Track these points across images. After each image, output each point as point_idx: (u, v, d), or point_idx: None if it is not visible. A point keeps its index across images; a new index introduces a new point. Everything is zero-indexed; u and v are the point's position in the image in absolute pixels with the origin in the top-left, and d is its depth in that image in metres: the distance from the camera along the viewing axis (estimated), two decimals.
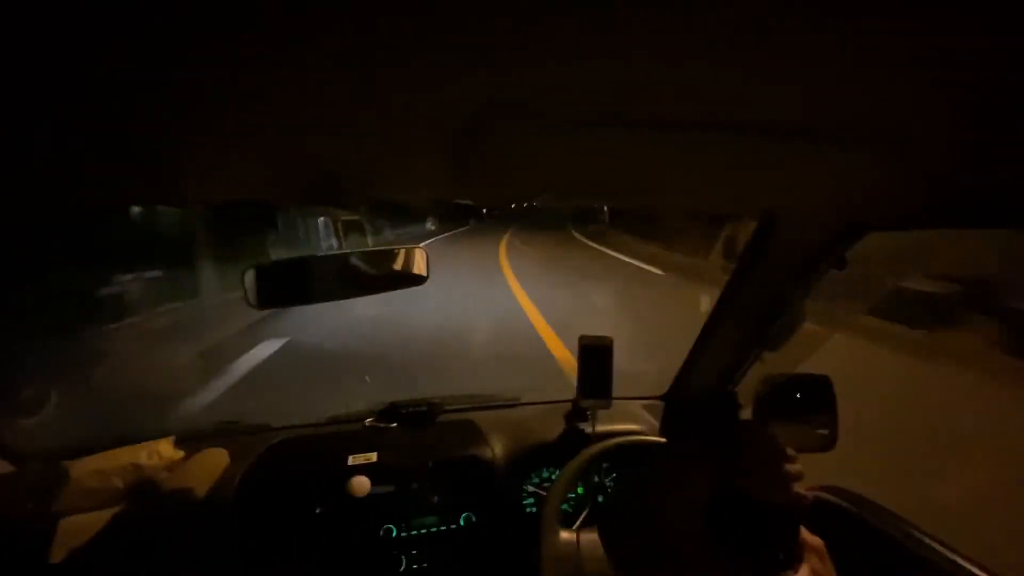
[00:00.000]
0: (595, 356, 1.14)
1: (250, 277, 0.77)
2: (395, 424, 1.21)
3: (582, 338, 1.13)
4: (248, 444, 1.13)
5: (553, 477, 1.15)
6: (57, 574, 0.86)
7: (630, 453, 1.05)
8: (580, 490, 1.14)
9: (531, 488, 1.14)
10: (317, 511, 1.03)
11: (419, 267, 0.93)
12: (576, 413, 1.22)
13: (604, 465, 1.15)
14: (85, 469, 0.98)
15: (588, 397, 1.14)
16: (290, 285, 0.81)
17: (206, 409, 3.37)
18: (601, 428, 1.13)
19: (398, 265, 0.91)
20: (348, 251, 0.85)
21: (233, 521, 0.99)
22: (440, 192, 0.67)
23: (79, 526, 0.91)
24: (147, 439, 1.10)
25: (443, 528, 1.07)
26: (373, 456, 1.09)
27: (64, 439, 1.15)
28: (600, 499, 1.12)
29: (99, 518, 0.92)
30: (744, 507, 0.52)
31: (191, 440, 1.14)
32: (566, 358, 4.13)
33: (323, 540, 1.02)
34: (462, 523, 1.08)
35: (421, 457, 1.11)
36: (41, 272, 4.86)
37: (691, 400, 1.22)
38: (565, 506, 1.09)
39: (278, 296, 0.82)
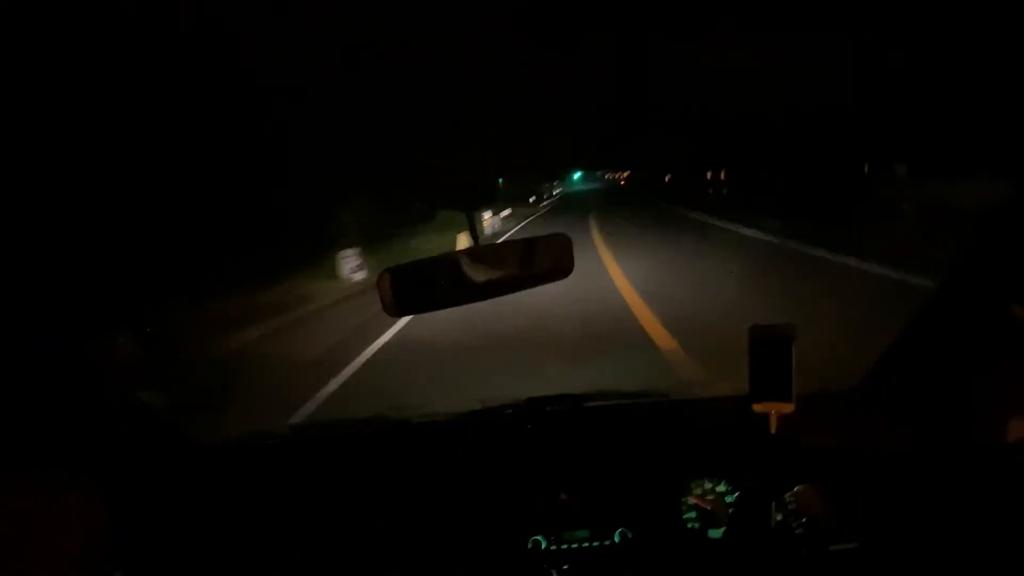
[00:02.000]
0: (772, 348, 0.94)
1: (384, 282, 0.70)
2: (535, 423, 1.12)
3: (754, 328, 0.94)
4: (388, 441, 1.12)
5: (719, 489, 0.98)
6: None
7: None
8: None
9: (692, 501, 0.99)
10: (460, 515, 0.97)
11: (564, 257, 0.81)
12: (746, 414, 1.03)
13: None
14: None
15: (764, 397, 0.95)
16: (429, 288, 0.74)
17: None
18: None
19: (541, 256, 0.80)
20: (488, 245, 0.77)
21: (375, 518, 0.97)
22: None
23: None
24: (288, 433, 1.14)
25: (596, 544, 0.96)
26: (515, 458, 1.02)
27: None
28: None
29: None
30: None
31: (332, 437, 1.15)
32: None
33: (466, 548, 0.96)
34: (617, 539, 0.96)
35: (567, 461, 1.01)
36: None
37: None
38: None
39: (417, 301, 0.75)
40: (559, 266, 0.82)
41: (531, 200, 27.02)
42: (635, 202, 26.42)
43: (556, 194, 50.38)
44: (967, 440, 0.88)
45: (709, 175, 26.11)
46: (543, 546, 0.96)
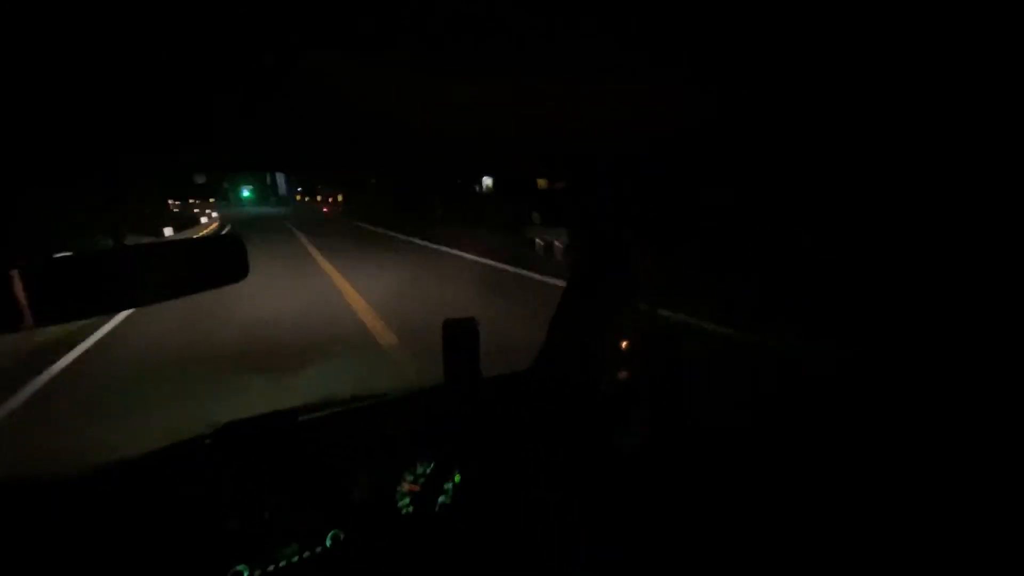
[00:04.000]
0: (460, 338, 1.11)
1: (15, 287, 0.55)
2: (240, 446, 1.02)
3: (446, 321, 1.09)
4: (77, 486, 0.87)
5: (428, 472, 1.09)
6: None
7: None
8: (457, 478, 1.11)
9: (406, 487, 1.07)
10: (156, 554, 0.82)
11: (237, 260, 0.78)
12: (445, 400, 1.17)
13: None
14: None
15: (456, 381, 1.11)
16: (75, 291, 0.61)
17: None
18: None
19: (211, 258, 0.76)
20: (150, 242, 0.68)
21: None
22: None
23: None
24: None
25: (306, 555, 0.94)
26: (215, 487, 0.91)
27: None
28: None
29: None
30: None
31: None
32: None
33: None
34: (328, 543, 0.96)
35: (274, 480, 0.96)
36: None
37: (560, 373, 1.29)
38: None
39: (58, 308, 0.60)
40: (230, 267, 0.77)
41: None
42: None
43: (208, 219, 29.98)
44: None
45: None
46: (246, 575, 0.88)
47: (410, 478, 1.07)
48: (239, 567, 0.88)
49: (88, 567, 0.81)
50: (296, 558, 0.93)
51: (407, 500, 1.06)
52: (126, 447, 1.06)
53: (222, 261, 0.75)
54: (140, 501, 0.88)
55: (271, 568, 0.91)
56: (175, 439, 1.05)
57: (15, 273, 0.57)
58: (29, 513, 0.83)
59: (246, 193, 46.09)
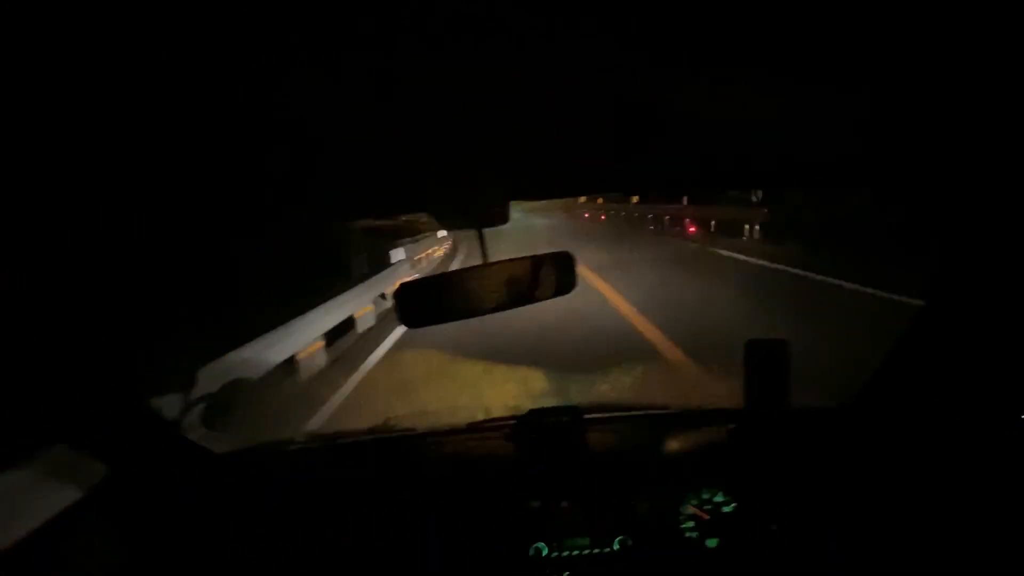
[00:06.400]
0: (767, 360, 0.98)
1: (399, 295, 0.77)
2: (537, 434, 1.15)
3: (751, 342, 0.98)
4: (394, 448, 1.15)
5: (716, 499, 1.00)
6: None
7: None
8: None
9: (690, 510, 1.01)
10: (462, 522, 1.00)
11: (568, 274, 0.86)
12: (744, 425, 1.05)
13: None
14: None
15: (760, 407, 0.98)
16: (438, 301, 0.79)
17: None
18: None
19: (545, 273, 0.85)
20: (493, 262, 0.81)
21: (381, 523, 1.00)
22: None
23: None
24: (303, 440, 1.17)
25: (596, 551, 0.98)
26: (518, 467, 1.05)
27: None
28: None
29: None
30: None
31: (343, 444, 1.19)
32: None
33: (470, 554, 0.99)
34: (616, 547, 0.98)
35: (568, 471, 1.04)
36: None
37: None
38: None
39: (426, 313, 0.80)
40: (562, 282, 0.86)
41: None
42: None
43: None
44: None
45: None
46: (544, 553, 0.98)
47: (695, 502, 1.01)
48: (539, 544, 0.99)
49: (412, 523, 1.01)
50: (587, 551, 0.98)
51: (691, 524, 1.00)
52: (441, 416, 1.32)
53: (557, 274, 0.85)
54: (452, 472, 1.07)
55: (565, 554, 0.98)
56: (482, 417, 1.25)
57: (400, 288, 0.78)
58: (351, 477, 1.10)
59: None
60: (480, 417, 1.27)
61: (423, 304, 0.80)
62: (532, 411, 1.18)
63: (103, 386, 0.86)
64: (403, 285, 0.79)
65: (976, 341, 0.85)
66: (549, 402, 1.24)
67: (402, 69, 0.40)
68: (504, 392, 3.44)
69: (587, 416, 1.18)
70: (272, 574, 0.97)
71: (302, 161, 0.55)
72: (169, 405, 2.58)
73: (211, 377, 3.14)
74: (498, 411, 1.30)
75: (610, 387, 3.13)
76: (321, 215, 0.85)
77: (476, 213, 0.77)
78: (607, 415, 1.22)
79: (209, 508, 1.02)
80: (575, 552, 0.99)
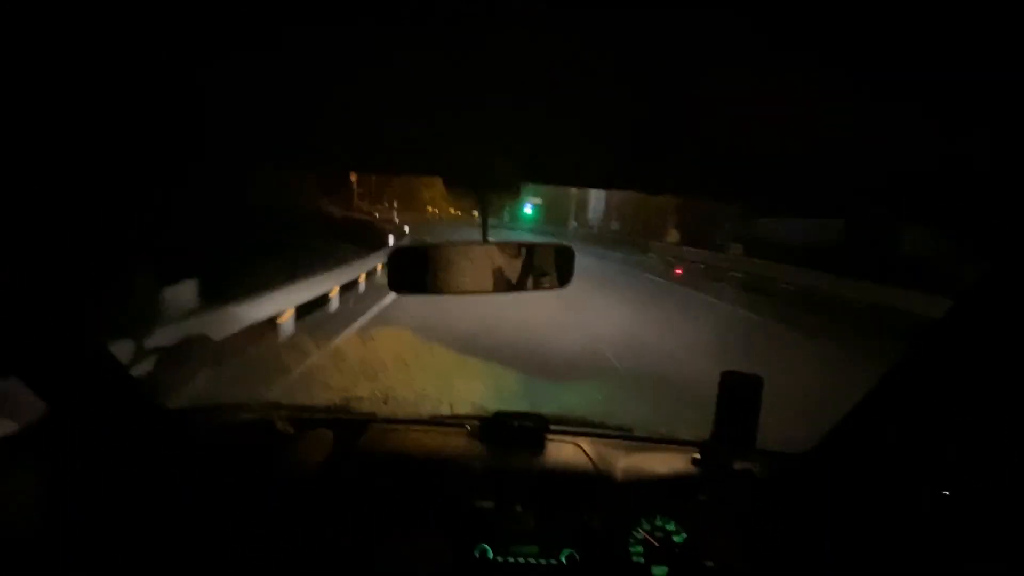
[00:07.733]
0: (739, 395, 0.97)
1: (393, 259, 0.75)
2: (499, 436, 1.13)
3: (725, 373, 0.98)
4: (353, 431, 1.12)
5: (668, 528, 1.00)
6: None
7: None
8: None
9: (641, 535, 1.00)
10: (412, 512, 0.98)
11: (567, 268, 0.83)
12: (706, 460, 1.05)
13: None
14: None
15: (725, 443, 0.98)
16: (428, 273, 0.76)
17: None
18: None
19: (541, 263, 0.82)
20: (492, 242, 0.77)
21: (330, 503, 0.97)
22: None
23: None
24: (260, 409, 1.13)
25: (543, 561, 0.97)
26: (476, 465, 1.03)
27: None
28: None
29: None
30: None
31: (302, 419, 1.15)
32: None
33: (414, 544, 0.96)
34: (563, 560, 0.97)
35: (525, 477, 1.02)
36: None
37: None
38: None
39: (414, 283, 0.77)
40: (560, 275, 0.83)
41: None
42: None
43: None
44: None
45: None
46: (489, 556, 0.96)
47: (647, 527, 1.01)
48: (485, 545, 0.97)
49: (357, 509, 0.97)
50: (533, 560, 0.97)
51: (640, 549, 1.00)
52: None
53: (554, 266, 0.82)
54: (408, 462, 1.04)
55: (511, 560, 0.97)
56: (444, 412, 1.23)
57: (395, 253, 0.76)
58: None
59: (529, 210, 29.06)
60: (444, 412, 1.25)
61: (413, 272, 0.77)
62: (499, 413, 1.16)
63: (50, 321, 0.81)
64: (397, 250, 0.77)
65: (943, 406, 0.86)
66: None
67: (430, 31, 0.39)
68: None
69: (553, 427, 1.17)
70: (199, 543, 0.92)
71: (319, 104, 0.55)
72: (122, 351, 2.47)
73: (172, 331, 3.03)
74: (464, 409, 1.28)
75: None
76: (338, 163, 0.82)
77: (486, 184, 0.73)
78: (572, 429, 1.21)
79: (146, 463, 0.96)
80: (520, 559, 0.97)
